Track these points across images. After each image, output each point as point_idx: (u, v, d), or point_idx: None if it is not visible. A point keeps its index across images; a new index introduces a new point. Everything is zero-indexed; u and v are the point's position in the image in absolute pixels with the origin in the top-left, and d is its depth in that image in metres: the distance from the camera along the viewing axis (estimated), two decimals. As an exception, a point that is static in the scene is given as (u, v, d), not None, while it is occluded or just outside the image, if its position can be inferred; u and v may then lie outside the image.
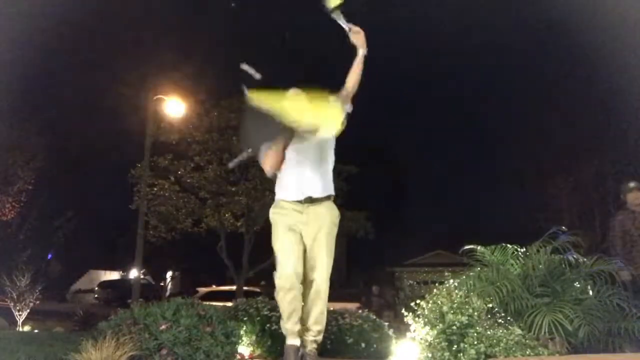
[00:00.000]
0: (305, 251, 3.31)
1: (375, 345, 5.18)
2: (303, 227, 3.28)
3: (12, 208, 15.44)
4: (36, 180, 16.12)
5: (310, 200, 3.28)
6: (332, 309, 5.94)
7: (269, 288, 3.39)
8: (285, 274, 3.24)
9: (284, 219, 3.31)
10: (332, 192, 3.38)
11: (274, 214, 3.38)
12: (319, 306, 3.30)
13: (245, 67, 3.36)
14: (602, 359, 3.28)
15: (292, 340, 3.28)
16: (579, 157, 17.07)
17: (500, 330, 3.34)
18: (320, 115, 3.13)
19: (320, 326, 3.34)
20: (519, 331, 3.40)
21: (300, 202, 3.28)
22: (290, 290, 3.23)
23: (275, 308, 4.84)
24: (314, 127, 3.13)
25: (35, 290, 9.57)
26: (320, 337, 3.38)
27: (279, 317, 4.66)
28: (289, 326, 3.29)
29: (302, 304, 3.31)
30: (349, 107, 3.28)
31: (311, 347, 3.32)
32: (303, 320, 3.33)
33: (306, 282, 3.30)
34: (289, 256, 3.25)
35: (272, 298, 4.93)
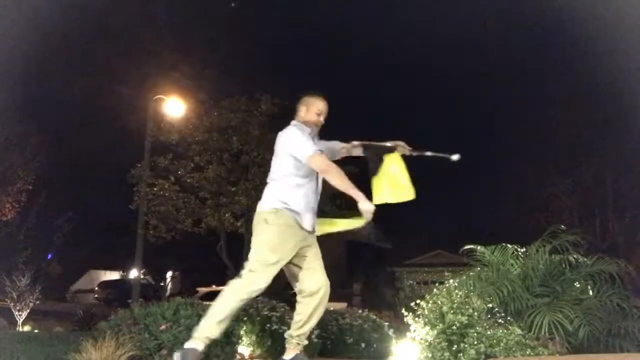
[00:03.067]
0: (297, 265, 3.28)
1: (375, 345, 5.18)
2: (301, 242, 3.26)
3: (12, 208, 15.43)
4: (36, 180, 16.12)
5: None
6: (332, 308, 5.94)
7: (269, 288, 3.35)
8: (263, 284, 3.12)
9: (285, 227, 3.20)
10: None
11: (275, 219, 3.21)
12: (320, 313, 3.27)
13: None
14: (602, 359, 3.28)
15: (197, 345, 2.99)
16: (579, 157, 17.07)
17: (500, 330, 3.34)
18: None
19: (310, 328, 3.35)
20: (519, 331, 3.40)
21: (308, 231, 3.27)
22: (251, 298, 3.19)
23: (275, 308, 4.85)
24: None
25: (35, 290, 9.58)
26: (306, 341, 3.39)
27: (279, 317, 4.69)
28: (218, 331, 3.06)
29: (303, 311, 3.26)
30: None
31: (300, 347, 3.30)
32: (299, 324, 3.29)
33: (310, 291, 3.23)
34: (274, 270, 3.14)
35: (272, 298, 4.95)
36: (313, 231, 3.29)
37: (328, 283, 3.26)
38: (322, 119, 3.36)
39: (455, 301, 3.51)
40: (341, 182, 3.12)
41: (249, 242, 3.34)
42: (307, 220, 3.25)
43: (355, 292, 17.37)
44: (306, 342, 3.32)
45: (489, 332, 3.28)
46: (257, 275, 3.12)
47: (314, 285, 3.22)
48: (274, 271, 3.15)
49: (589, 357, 3.35)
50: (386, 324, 5.56)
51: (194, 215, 14.03)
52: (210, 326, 3.04)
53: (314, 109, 3.33)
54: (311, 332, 3.54)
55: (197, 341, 3.00)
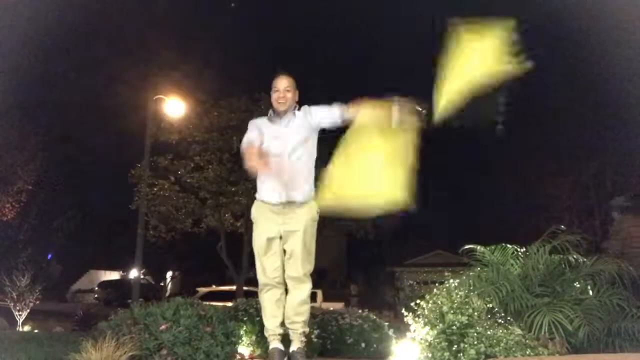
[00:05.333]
0: (284, 249, 3.31)
1: (375, 345, 5.18)
2: (282, 225, 3.27)
3: (12, 208, 15.45)
4: (36, 180, 16.13)
5: (291, 203, 3.26)
6: (331, 308, 5.95)
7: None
8: (267, 273, 3.29)
9: (263, 219, 3.32)
10: (313, 195, 3.33)
11: (254, 213, 3.40)
12: (299, 296, 3.28)
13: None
14: (602, 359, 3.28)
15: (276, 344, 3.31)
16: (579, 157, 17.08)
17: (500, 330, 3.34)
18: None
19: (304, 317, 3.31)
20: (519, 331, 3.41)
21: (280, 204, 3.26)
22: (273, 288, 3.29)
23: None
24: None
25: (35, 290, 9.58)
26: (306, 329, 3.36)
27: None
28: (271, 327, 3.31)
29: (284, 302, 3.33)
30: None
31: (299, 344, 3.29)
32: (286, 314, 3.31)
33: (286, 275, 3.30)
34: (269, 255, 3.28)
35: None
36: (286, 204, 3.24)
37: (301, 275, 3.26)
38: (277, 96, 3.41)
39: (455, 301, 3.51)
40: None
41: (249, 242, 3.40)
42: (272, 192, 3.26)
43: (353, 292, 17.41)
44: (299, 331, 3.31)
45: (489, 332, 3.28)
46: (258, 267, 3.35)
47: (287, 271, 3.29)
48: (264, 257, 3.29)
49: (589, 357, 3.35)
50: (386, 324, 5.56)
51: (194, 215, 14.02)
52: (266, 325, 3.37)
53: (273, 90, 3.45)
54: (311, 332, 3.54)
55: (272, 341, 3.33)
